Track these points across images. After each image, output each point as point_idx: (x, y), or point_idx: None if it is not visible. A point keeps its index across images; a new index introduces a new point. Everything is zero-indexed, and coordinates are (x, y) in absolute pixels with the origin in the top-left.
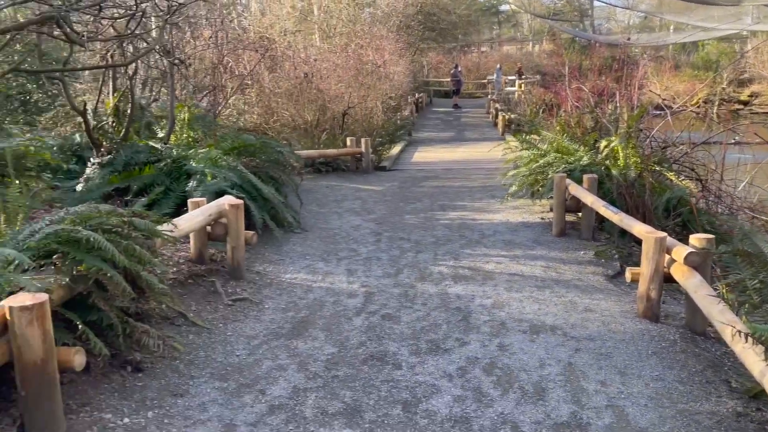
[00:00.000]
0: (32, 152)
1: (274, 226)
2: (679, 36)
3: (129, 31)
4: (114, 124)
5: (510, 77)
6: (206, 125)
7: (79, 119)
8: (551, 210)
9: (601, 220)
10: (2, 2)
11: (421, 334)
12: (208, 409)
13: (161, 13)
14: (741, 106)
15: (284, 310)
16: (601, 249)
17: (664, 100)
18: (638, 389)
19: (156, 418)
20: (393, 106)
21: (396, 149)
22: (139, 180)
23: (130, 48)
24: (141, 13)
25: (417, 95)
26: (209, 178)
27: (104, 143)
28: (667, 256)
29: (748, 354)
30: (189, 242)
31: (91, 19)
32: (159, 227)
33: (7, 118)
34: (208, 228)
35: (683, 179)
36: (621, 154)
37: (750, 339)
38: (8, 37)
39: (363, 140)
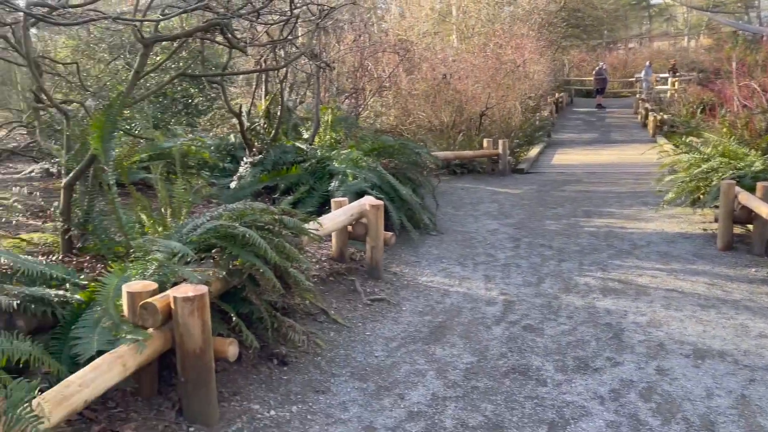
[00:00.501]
0: (194, 151)
1: (410, 228)
2: None
3: (282, 37)
4: (265, 126)
5: (661, 75)
6: (348, 127)
7: (234, 121)
8: (716, 220)
9: None
10: (172, 11)
11: (567, 349)
12: (348, 408)
13: (312, 18)
14: None
15: (421, 313)
16: None
17: None
18: None
19: (300, 413)
20: (532, 107)
21: (534, 151)
22: (286, 179)
23: (281, 53)
24: (295, 18)
25: (557, 95)
26: (350, 179)
27: (256, 144)
28: None
29: None
30: (331, 240)
31: (248, 25)
32: (306, 225)
33: (172, 120)
34: (349, 227)
35: None
36: None
37: None
38: (176, 44)
39: (500, 141)
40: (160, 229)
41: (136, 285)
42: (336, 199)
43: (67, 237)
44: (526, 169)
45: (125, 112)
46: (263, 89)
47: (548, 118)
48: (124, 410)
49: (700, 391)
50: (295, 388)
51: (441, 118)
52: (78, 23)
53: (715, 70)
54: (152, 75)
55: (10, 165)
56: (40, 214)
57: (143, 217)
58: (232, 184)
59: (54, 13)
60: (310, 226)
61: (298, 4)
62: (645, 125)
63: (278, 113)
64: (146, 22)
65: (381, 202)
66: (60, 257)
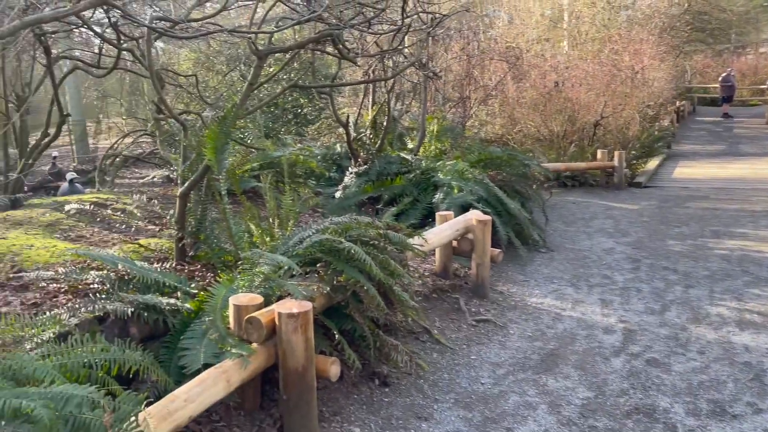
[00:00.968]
0: (301, 161)
1: (518, 244)
2: None
3: (391, 46)
4: (371, 136)
5: None
6: (454, 137)
7: (341, 130)
8: None
9: None
10: (286, 23)
11: (700, 390)
12: None
13: (423, 27)
14: None
15: (531, 338)
16: None
17: None
18: None
19: None
20: (651, 116)
21: (653, 163)
22: (390, 190)
23: (389, 62)
24: (406, 27)
25: (678, 103)
26: (456, 191)
27: (361, 154)
28: None
29: None
30: (434, 255)
31: (358, 36)
32: (410, 240)
33: (283, 129)
34: (455, 242)
35: None
36: None
37: None
38: (288, 56)
39: (616, 153)
40: (267, 239)
41: (243, 298)
42: (441, 213)
43: (180, 245)
44: (644, 182)
45: (239, 122)
46: (370, 99)
47: (668, 128)
48: (227, 425)
49: None
50: (396, 412)
51: (551, 128)
52: (196, 36)
53: None
54: (265, 86)
55: (136, 170)
56: (158, 220)
57: (252, 226)
58: (337, 194)
59: (175, 27)
60: (415, 241)
61: (410, 14)
62: None
63: (384, 123)
64: (261, 35)
65: (488, 218)
66: (173, 264)
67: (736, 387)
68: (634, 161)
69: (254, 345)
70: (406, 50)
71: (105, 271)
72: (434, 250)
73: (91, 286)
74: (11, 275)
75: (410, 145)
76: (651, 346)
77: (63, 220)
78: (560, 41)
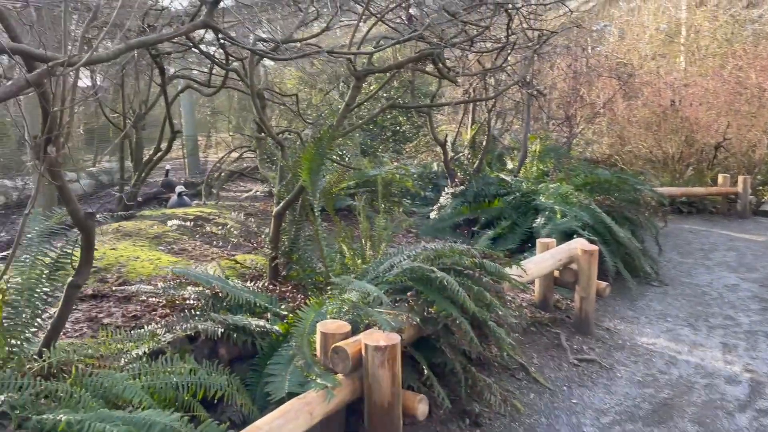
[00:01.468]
0: (397, 179)
1: (628, 276)
2: None
3: (494, 65)
4: (469, 156)
5: None
6: (557, 158)
7: (439, 149)
8: None
9: None
10: (386, 42)
11: None
12: None
13: (529, 44)
14: None
15: (641, 384)
16: None
17: None
18: None
19: None
20: None
21: None
22: (487, 212)
23: (491, 80)
24: (511, 45)
25: None
26: (559, 216)
27: (458, 174)
28: None
29: None
30: (533, 284)
31: (459, 54)
32: (508, 269)
33: (381, 147)
34: (556, 272)
35: None
36: None
37: None
38: (388, 75)
39: (740, 178)
40: (359, 261)
41: (330, 325)
42: (542, 240)
43: (274, 264)
44: None
45: (337, 140)
46: (470, 117)
47: None
48: None
49: None
50: None
51: (665, 149)
52: (294, 58)
53: None
54: (365, 103)
55: (241, 184)
56: (254, 237)
57: (344, 248)
58: (432, 215)
59: (278, 47)
60: (513, 271)
61: (515, 31)
62: None
63: (484, 142)
64: (360, 55)
65: (595, 248)
66: (266, 283)
67: None
68: (760, 187)
69: (339, 376)
70: (509, 68)
71: (201, 288)
72: (534, 280)
73: (188, 301)
74: (114, 288)
75: (510, 166)
76: None
77: (168, 233)
78: (676, 57)
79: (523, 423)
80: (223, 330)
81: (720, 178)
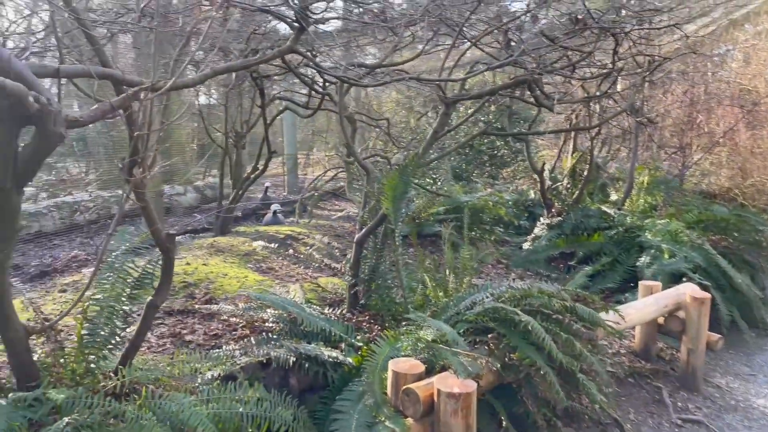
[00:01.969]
0: (490, 207)
1: (745, 327)
2: None
3: (599, 91)
4: (568, 186)
5: None
6: (668, 191)
7: (536, 176)
8: None
9: None
10: (479, 67)
11: None
12: None
13: (639, 70)
14: None
15: None
16: None
17: None
18: None
19: None
20: None
21: None
22: (586, 246)
23: (596, 107)
24: (618, 71)
25: None
26: (666, 256)
27: (556, 204)
28: None
29: None
30: (633, 329)
31: (561, 80)
32: (603, 314)
33: (475, 171)
34: (660, 319)
35: None
36: None
37: None
38: (482, 101)
39: None
40: (440, 293)
41: (403, 364)
42: (645, 283)
43: (353, 291)
44: None
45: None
46: (571, 145)
47: None
48: None
49: None
50: None
51: None
52: (378, 84)
53: None
54: (462, 127)
55: (336, 203)
56: (338, 260)
57: (426, 278)
58: (525, 245)
59: (368, 75)
60: (610, 317)
61: (623, 56)
62: None
63: (585, 172)
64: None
65: (707, 295)
66: (345, 311)
67: None
68: None
69: (409, 420)
70: (616, 95)
71: (279, 311)
72: (634, 326)
73: (266, 324)
74: (197, 305)
75: (613, 198)
76: None
77: (258, 251)
78: None
79: None
80: (295, 359)
81: None
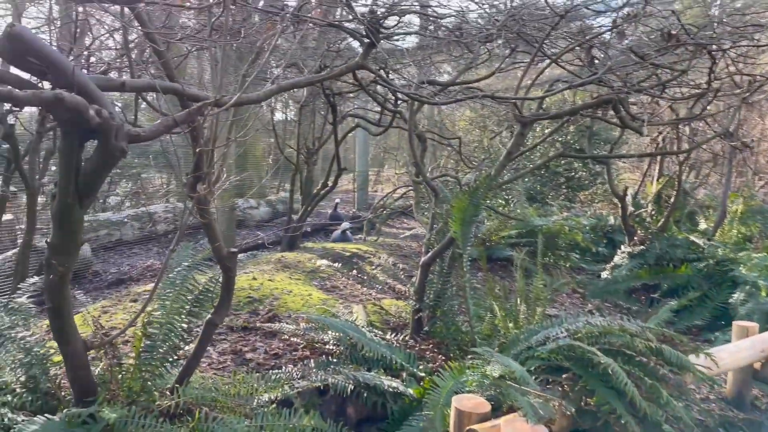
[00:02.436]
0: (566, 231)
1: None
2: None
3: (691, 113)
4: (653, 212)
5: None
6: (765, 221)
7: (617, 200)
8: None
9: None
10: (558, 86)
11: None
12: None
13: (737, 91)
14: None
15: None
16: None
17: None
18: None
19: None
20: None
21: None
22: (671, 279)
23: (685, 129)
24: (715, 91)
25: None
26: (763, 294)
27: (639, 231)
28: None
29: None
30: (725, 374)
31: (647, 100)
32: (692, 357)
33: (551, 193)
34: (756, 364)
35: None
36: None
37: None
38: (561, 121)
39: None
40: (510, 324)
41: (467, 401)
42: (740, 323)
43: (417, 317)
44: None
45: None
46: (657, 169)
47: None
48: None
49: None
50: None
51: None
52: (454, 101)
53: None
54: (538, 147)
55: (404, 221)
56: (403, 282)
57: (495, 306)
58: (604, 274)
59: (440, 93)
60: (700, 361)
61: (720, 76)
62: None
63: (671, 199)
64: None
65: None
66: (407, 337)
67: None
68: None
69: None
70: (714, 115)
71: (340, 334)
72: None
73: (327, 346)
74: (259, 323)
75: (702, 227)
76: None
77: (323, 268)
78: None
79: None
80: (353, 387)
81: None
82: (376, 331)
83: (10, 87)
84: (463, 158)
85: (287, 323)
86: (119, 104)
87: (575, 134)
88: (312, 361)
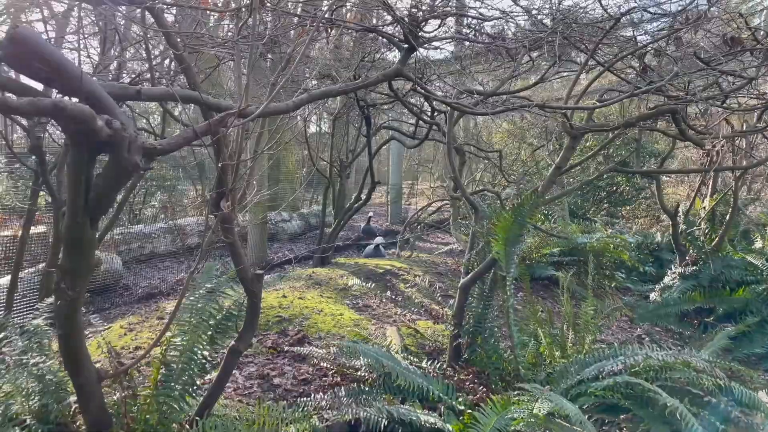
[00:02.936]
0: (611, 250)
1: None
2: None
3: (753, 125)
4: (706, 230)
5: None
6: None
7: (663, 216)
8: None
9: None
10: (611, 95)
11: None
12: None
13: None
14: None
15: None
16: None
17: None
18: None
19: None
20: None
21: None
22: (727, 302)
23: (741, 143)
24: None
25: None
26: None
27: (690, 251)
28: None
29: None
30: None
31: (701, 110)
32: (761, 394)
33: (593, 208)
34: None
35: None
36: None
37: None
38: (613, 134)
39: None
40: (557, 353)
41: None
42: None
43: (455, 343)
44: None
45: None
46: (710, 185)
47: None
48: None
49: None
50: None
51: None
52: (499, 112)
53: None
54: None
55: (439, 236)
56: (438, 304)
57: (540, 333)
58: (653, 296)
59: (482, 102)
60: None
61: None
62: None
63: (726, 216)
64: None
65: None
66: (444, 365)
67: None
68: None
69: None
70: None
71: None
72: None
73: (358, 373)
74: (286, 347)
75: (758, 245)
76: None
77: (355, 285)
78: None
79: None
80: (386, 422)
81: None
82: (411, 358)
83: (8, 95)
84: (502, 172)
85: (317, 347)
86: (158, 116)
87: (619, 148)
88: (342, 389)
